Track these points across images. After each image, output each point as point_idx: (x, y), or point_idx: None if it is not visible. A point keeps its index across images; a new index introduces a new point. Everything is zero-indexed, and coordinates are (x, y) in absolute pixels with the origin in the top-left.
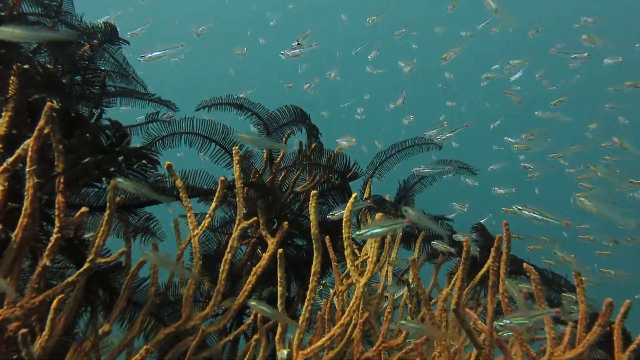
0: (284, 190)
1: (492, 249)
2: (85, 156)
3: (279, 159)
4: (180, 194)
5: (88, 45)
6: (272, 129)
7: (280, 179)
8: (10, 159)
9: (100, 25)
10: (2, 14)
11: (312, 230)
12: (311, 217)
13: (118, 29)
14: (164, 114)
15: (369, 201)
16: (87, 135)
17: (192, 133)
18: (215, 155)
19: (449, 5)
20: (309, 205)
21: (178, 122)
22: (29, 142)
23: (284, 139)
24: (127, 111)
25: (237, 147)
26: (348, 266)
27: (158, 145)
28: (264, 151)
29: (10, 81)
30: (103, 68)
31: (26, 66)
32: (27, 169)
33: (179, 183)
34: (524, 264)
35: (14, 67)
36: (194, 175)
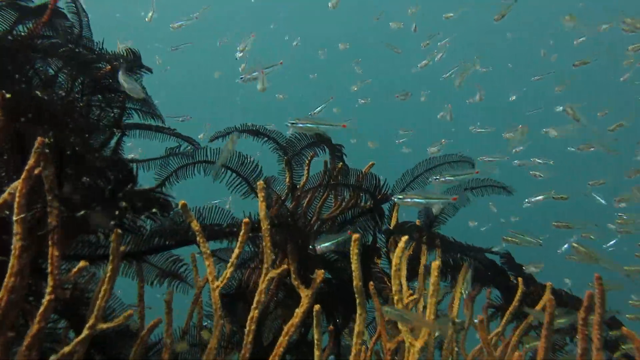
0: (308, 218)
1: (582, 309)
2: (80, 205)
3: (302, 182)
4: (197, 238)
5: (109, 67)
6: (292, 154)
7: (304, 204)
8: None
9: (123, 52)
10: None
11: (354, 283)
12: (353, 267)
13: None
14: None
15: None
16: (85, 177)
17: (208, 162)
18: (232, 184)
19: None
20: (351, 252)
21: (193, 153)
22: (17, 185)
23: (307, 163)
24: None
25: (261, 181)
26: (400, 326)
27: (172, 179)
28: (286, 175)
29: None
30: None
31: (8, 95)
32: (14, 217)
33: (195, 226)
34: (624, 328)
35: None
36: (209, 212)
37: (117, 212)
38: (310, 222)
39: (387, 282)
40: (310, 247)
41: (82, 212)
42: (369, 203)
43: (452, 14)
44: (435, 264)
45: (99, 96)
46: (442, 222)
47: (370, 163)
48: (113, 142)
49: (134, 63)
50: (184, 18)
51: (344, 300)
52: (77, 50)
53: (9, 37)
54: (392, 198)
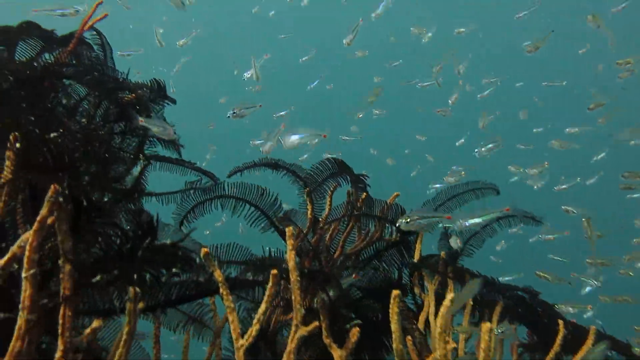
0: (331, 252)
1: None
2: (96, 269)
3: (325, 214)
4: (221, 289)
5: (134, 94)
6: (313, 186)
7: (327, 237)
8: (1, 261)
9: (148, 82)
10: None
11: (394, 345)
12: (393, 328)
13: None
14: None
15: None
16: (99, 231)
17: (226, 196)
18: (250, 217)
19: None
20: (390, 310)
21: (212, 188)
22: (27, 237)
23: (329, 194)
24: None
25: (290, 227)
26: None
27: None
28: (307, 207)
29: (7, 158)
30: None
31: (18, 144)
32: (24, 274)
33: (218, 277)
34: None
35: (11, 136)
36: (227, 249)
37: (136, 276)
38: (334, 257)
39: (414, 321)
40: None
41: (98, 278)
42: (394, 236)
43: (463, 29)
44: (469, 307)
45: (121, 124)
46: (469, 254)
47: (395, 194)
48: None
49: (158, 93)
50: (186, 35)
51: (370, 338)
52: (102, 77)
53: (34, 65)
54: (397, 223)
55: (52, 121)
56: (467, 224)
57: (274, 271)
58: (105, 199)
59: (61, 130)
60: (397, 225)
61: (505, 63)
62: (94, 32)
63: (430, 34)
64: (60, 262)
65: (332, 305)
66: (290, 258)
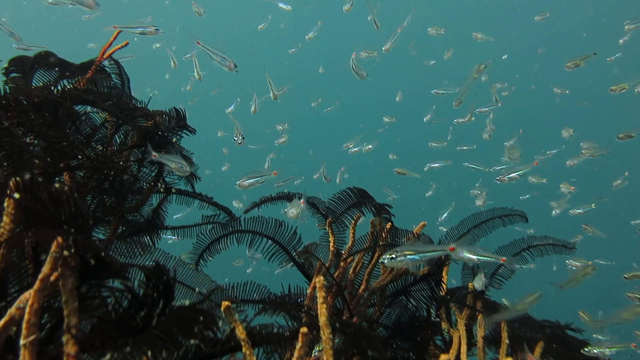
0: (355, 287)
1: None
2: (104, 343)
3: (348, 246)
4: (243, 348)
5: (152, 121)
6: (335, 217)
7: (351, 272)
8: None
9: (168, 111)
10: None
11: None
12: None
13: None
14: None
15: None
16: (110, 297)
17: (243, 231)
18: (268, 252)
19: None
20: None
21: (228, 224)
22: (27, 298)
23: (352, 225)
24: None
25: (320, 277)
26: None
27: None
28: (330, 240)
29: (4, 213)
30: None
31: (17, 195)
32: (22, 341)
33: (240, 334)
34: None
35: (11, 183)
36: (243, 288)
37: (150, 351)
38: (358, 292)
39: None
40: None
41: (107, 358)
42: (423, 268)
43: (481, 36)
44: (504, 345)
45: (139, 151)
46: (498, 286)
47: (422, 223)
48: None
49: (177, 122)
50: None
51: None
52: (121, 103)
53: (50, 90)
54: (381, 259)
55: (67, 148)
56: (462, 255)
57: (304, 329)
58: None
59: (78, 158)
60: (381, 261)
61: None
62: (112, 62)
63: (443, 30)
64: (64, 338)
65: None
66: (322, 313)
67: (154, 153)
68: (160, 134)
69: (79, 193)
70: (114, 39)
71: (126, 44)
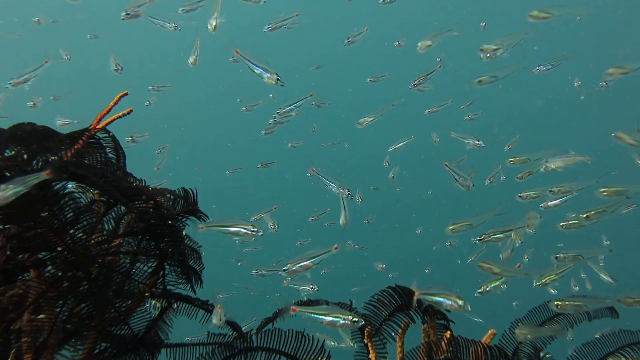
0: None
1: None
2: None
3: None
4: None
5: (152, 202)
6: (374, 327)
7: None
8: None
9: (175, 190)
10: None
11: None
12: None
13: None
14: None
15: None
16: None
17: (256, 349)
18: None
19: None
20: None
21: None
22: None
23: (399, 336)
24: None
25: None
26: None
27: None
28: (370, 357)
29: None
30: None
31: None
32: None
33: None
34: None
35: None
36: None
37: None
38: None
39: None
40: None
41: None
42: None
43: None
44: None
45: (133, 241)
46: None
47: (491, 332)
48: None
49: (185, 205)
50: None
51: None
52: (116, 180)
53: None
54: None
55: (36, 237)
56: None
57: None
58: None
59: (51, 249)
60: None
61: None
62: (107, 134)
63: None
64: None
65: None
66: None
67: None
68: (162, 219)
69: (45, 297)
70: (115, 103)
71: (129, 112)
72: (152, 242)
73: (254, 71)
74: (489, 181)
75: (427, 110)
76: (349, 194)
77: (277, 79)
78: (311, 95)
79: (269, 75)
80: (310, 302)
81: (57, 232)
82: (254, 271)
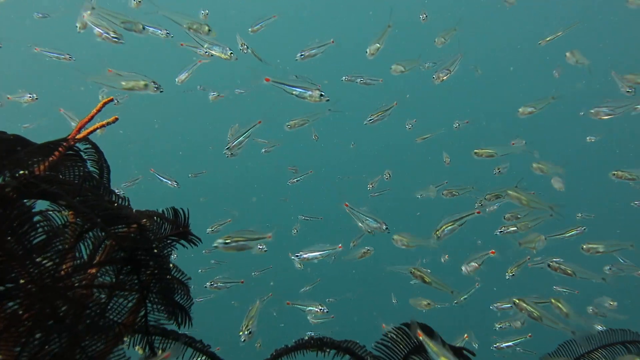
0: None
1: None
2: None
3: None
4: None
5: (135, 226)
6: None
7: None
8: None
9: (163, 211)
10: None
11: None
12: None
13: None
14: None
15: None
16: None
17: None
18: None
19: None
20: None
21: None
22: None
23: None
24: None
25: None
26: None
27: None
28: None
29: None
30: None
31: None
32: None
33: None
34: None
35: None
36: None
37: None
38: None
39: None
40: None
41: None
42: None
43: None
44: None
45: (111, 271)
46: None
47: None
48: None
49: (174, 228)
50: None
51: None
52: (95, 199)
53: None
54: None
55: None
56: None
57: None
58: None
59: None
60: None
61: None
62: (89, 145)
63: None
64: None
65: None
66: None
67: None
68: (146, 247)
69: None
70: (98, 111)
71: (115, 120)
72: (133, 275)
73: (292, 93)
74: (497, 171)
75: (366, 121)
76: (386, 227)
77: (321, 95)
78: (260, 122)
79: (310, 93)
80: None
81: (20, 260)
82: (208, 284)
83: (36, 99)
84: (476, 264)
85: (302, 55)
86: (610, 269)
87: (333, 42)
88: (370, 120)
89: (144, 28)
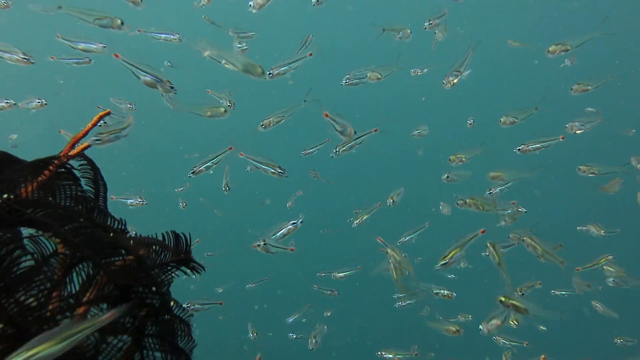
0: None
1: None
2: None
3: None
4: None
5: (132, 256)
6: None
7: None
8: None
9: (162, 237)
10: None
11: None
12: None
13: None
14: None
15: None
16: None
17: None
18: None
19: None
20: None
21: None
22: None
23: None
24: None
25: None
26: None
27: None
28: None
29: None
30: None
31: None
32: None
33: None
34: None
35: None
36: None
37: None
38: None
39: None
40: None
41: None
42: None
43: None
44: None
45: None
46: None
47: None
48: None
49: (174, 254)
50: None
51: None
52: (87, 225)
53: None
54: None
55: None
56: None
57: None
58: None
59: None
60: None
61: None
62: (84, 161)
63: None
64: None
65: None
66: None
67: None
68: (144, 283)
69: None
70: (93, 125)
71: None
72: (127, 316)
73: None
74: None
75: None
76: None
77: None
78: (230, 148)
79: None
80: None
81: None
82: (185, 305)
83: (45, 104)
84: (498, 322)
85: (270, 74)
86: (613, 281)
87: (311, 54)
88: (336, 152)
89: (122, 23)
